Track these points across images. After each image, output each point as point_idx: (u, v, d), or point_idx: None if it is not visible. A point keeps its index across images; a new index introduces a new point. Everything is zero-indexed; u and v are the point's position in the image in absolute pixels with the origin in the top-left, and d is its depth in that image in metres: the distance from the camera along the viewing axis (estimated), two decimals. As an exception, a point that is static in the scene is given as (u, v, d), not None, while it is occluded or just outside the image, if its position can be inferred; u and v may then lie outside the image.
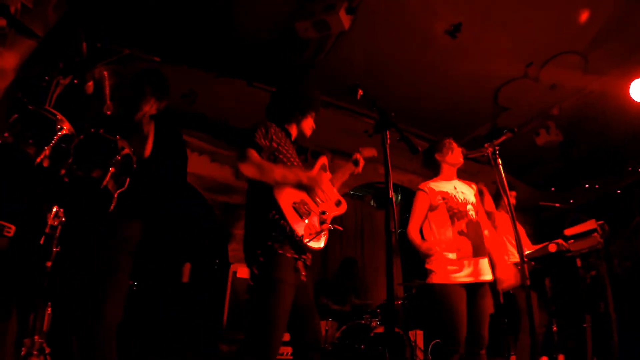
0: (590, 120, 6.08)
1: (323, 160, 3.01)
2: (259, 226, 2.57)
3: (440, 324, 3.22)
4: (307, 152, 3.07)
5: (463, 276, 3.24)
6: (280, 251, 2.47)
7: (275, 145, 2.71)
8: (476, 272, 3.27)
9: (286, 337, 3.79)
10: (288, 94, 2.99)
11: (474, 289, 3.26)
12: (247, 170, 2.55)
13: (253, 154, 2.57)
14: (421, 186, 3.63)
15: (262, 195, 2.59)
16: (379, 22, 4.43)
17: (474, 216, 3.49)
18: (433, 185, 3.60)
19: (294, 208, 2.55)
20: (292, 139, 2.96)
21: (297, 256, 2.55)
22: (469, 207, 3.50)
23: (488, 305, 3.28)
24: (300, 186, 2.65)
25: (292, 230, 2.46)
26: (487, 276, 3.31)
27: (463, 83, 5.43)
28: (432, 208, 3.54)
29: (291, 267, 2.52)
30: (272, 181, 2.53)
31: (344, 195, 3.25)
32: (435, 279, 3.31)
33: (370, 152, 3.34)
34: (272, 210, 2.50)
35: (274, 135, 2.72)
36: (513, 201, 5.17)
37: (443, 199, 3.49)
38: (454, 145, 3.69)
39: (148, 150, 2.62)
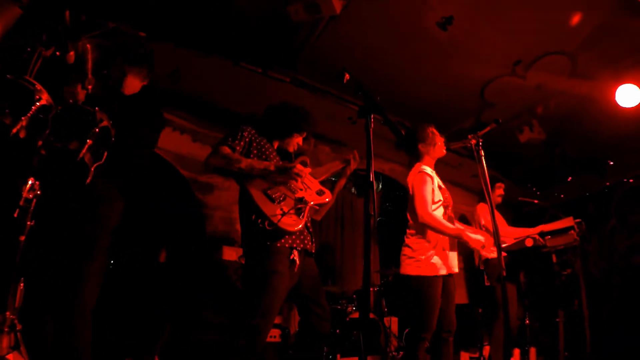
0: (574, 121, 6.14)
1: (303, 158, 3.05)
2: (245, 226, 2.68)
3: (415, 312, 3.23)
4: (290, 159, 3.09)
5: (440, 268, 3.26)
6: (268, 243, 2.53)
7: (247, 146, 2.80)
8: (450, 264, 3.33)
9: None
10: (276, 117, 3.05)
11: (446, 279, 3.33)
12: (214, 160, 2.65)
13: (224, 148, 2.69)
14: (422, 169, 3.45)
15: (242, 195, 2.68)
16: (371, 8, 4.39)
17: (451, 213, 3.54)
18: (428, 169, 3.47)
19: (265, 194, 2.58)
20: (274, 147, 3.04)
21: (287, 246, 2.59)
22: (450, 200, 3.55)
23: (454, 291, 3.38)
24: (269, 175, 2.68)
25: (263, 217, 2.47)
26: (456, 269, 3.40)
27: (451, 76, 5.41)
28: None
29: (285, 257, 2.57)
30: (236, 169, 2.62)
31: (326, 182, 3.27)
32: (413, 270, 3.28)
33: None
34: (249, 208, 2.55)
35: (249, 137, 2.82)
36: (502, 192, 5.24)
37: (439, 188, 3.46)
38: (437, 135, 3.61)
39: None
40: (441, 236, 3.32)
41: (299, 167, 2.70)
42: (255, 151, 2.82)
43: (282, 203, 2.59)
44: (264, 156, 2.82)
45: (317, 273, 2.82)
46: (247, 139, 2.80)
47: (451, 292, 3.35)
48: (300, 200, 2.69)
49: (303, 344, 2.73)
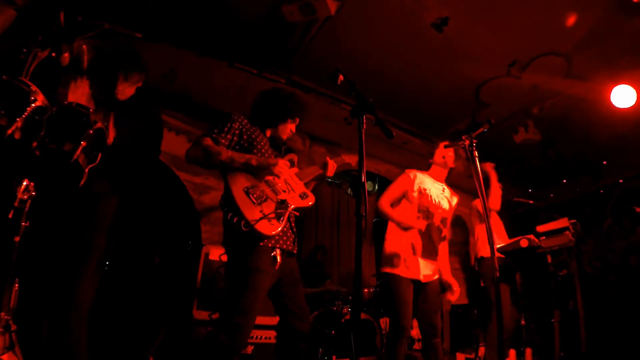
0: (570, 122, 6.16)
1: (292, 156, 3.02)
2: (226, 224, 2.62)
3: (389, 310, 3.49)
4: (281, 149, 3.06)
5: (408, 271, 3.46)
6: (249, 243, 2.49)
7: (237, 138, 2.74)
8: (418, 271, 3.47)
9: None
10: (269, 101, 3.00)
11: (422, 284, 3.49)
12: (193, 151, 2.61)
13: (205, 139, 2.62)
14: (409, 170, 3.78)
15: (224, 192, 2.62)
16: (366, 9, 4.39)
17: (437, 222, 3.64)
18: (419, 175, 3.75)
19: (246, 192, 2.52)
20: (267, 135, 2.99)
21: (270, 246, 2.55)
22: (440, 211, 3.67)
23: (436, 297, 3.53)
24: (252, 171, 2.64)
25: (240, 217, 2.42)
26: (433, 277, 3.54)
27: (446, 77, 5.43)
28: (406, 196, 3.69)
29: (267, 255, 2.54)
30: (217, 161, 2.56)
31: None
32: (388, 268, 3.52)
33: (340, 161, 3.32)
34: (228, 205, 2.51)
35: (239, 129, 2.76)
36: (500, 192, 5.23)
37: (420, 193, 3.64)
38: (441, 146, 3.84)
39: (110, 139, 2.50)
40: (416, 242, 3.52)
41: (281, 165, 2.66)
42: (246, 144, 2.76)
43: (264, 204, 2.53)
44: (255, 150, 2.76)
45: (297, 272, 2.79)
46: (236, 131, 2.73)
47: (431, 297, 3.50)
48: (282, 202, 2.62)
49: (284, 344, 2.72)
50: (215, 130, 2.68)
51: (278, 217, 2.55)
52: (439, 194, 3.74)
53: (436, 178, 3.82)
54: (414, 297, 3.44)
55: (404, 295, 3.39)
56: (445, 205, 3.73)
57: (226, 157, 2.57)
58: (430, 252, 3.55)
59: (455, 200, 3.88)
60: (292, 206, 2.67)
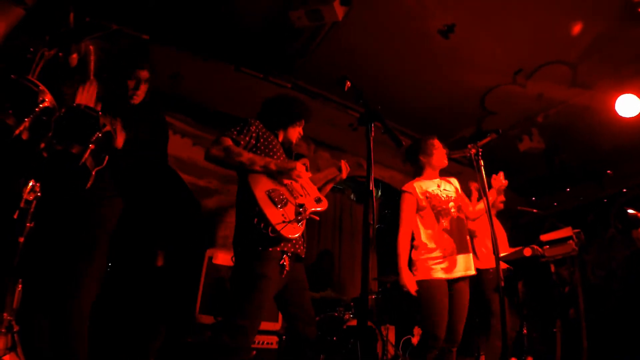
0: (574, 131, 6.16)
1: (304, 161, 3.03)
2: (242, 226, 2.62)
3: (422, 319, 3.26)
4: (291, 155, 3.08)
5: (445, 272, 3.29)
6: (260, 248, 2.49)
7: (254, 141, 2.77)
8: (458, 268, 3.32)
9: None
10: (279, 104, 3.05)
11: (453, 285, 3.31)
12: (215, 150, 2.61)
13: (226, 140, 2.65)
14: (405, 188, 3.66)
15: (243, 193, 2.62)
16: (374, 16, 4.41)
17: (455, 213, 3.54)
18: (416, 185, 3.63)
19: (268, 195, 2.53)
20: (279, 139, 3.02)
21: (279, 250, 2.55)
22: (451, 204, 3.55)
23: (466, 301, 3.34)
24: (271, 174, 2.66)
25: (267, 223, 2.43)
26: (470, 271, 3.36)
27: (452, 84, 5.44)
28: (419, 209, 3.56)
29: (276, 262, 2.54)
30: (237, 162, 2.59)
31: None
32: (417, 275, 3.34)
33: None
34: (251, 209, 2.51)
35: (256, 132, 2.80)
36: (503, 199, 5.20)
37: (427, 197, 3.54)
38: (439, 146, 3.71)
39: (120, 142, 2.50)
40: (446, 242, 3.37)
41: (300, 168, 2.70)
42: (262, 147, 2.79)
43: (285, 208, 2.55)
44: (271, 153, 2.79)
45: (304, 278, 2.79)
46: (254, 134, 2.77)
47: (459, 299, 3.32)
48: (301, 206, 2.65)
49: (291, 350, 2.71)
50: (235, 132, 2.71)
51: (298, 220, 2.58)
52: (442, 188, 3.64)
53: (430, 177, 3.70)
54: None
55: (440, 302, 3.20)
56: (452, 192, 3.64)
57: (247, 158, 2.61)
58: (464, 246, 3.39)
59: (456, 182, 3.78)
60: (311, 209, 2.71)
